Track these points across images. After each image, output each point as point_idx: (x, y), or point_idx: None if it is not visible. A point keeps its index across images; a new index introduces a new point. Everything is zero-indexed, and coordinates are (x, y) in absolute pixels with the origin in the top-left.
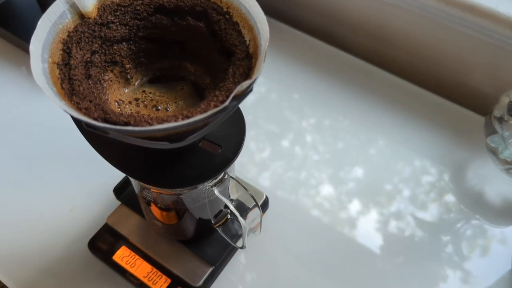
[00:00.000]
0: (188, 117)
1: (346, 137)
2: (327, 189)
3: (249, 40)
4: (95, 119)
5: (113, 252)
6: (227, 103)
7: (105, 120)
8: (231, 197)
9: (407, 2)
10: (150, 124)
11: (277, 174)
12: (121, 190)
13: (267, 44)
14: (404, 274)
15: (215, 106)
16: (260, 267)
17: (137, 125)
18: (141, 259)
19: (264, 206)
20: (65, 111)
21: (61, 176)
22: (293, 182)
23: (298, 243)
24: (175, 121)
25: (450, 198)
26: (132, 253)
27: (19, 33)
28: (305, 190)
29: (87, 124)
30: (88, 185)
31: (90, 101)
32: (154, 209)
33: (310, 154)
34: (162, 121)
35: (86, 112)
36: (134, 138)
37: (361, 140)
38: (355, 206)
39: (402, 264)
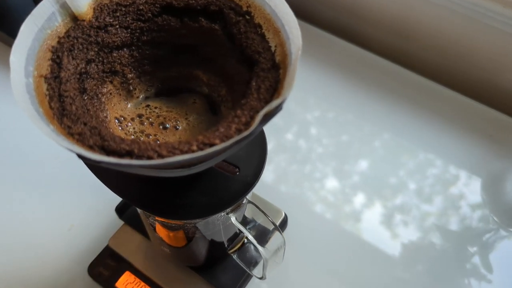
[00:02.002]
0: (204, 144)
1: (355, 132)
2: (331, 183)
3: (275, 46)
4: (90, 147)
5: (116, 278)
6: (253, 128)
7: (103, 148)
8: (247, 217)
9: None
10: (158, 154)
11: (281, 167)
12: (124, 209)
13: (299, 52)
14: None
15: (238, 130)
16: None
17: (142, 155)
18: (147, 286)
19: (283, 225)
20: (54, 140)
21: (58, 191)
22: (297, 175)
23: (319, 258)
24: (189, 149)
25: (481, 208)
26: (137, 280)
27: (13, 33)
28: (310, 183)
29: (80, 156)
30: (88, 201)
31: (85, 124)
32: (160, 234)
33: (315, 147)
34: (173, 149)
35: (80, 138)
36: (138, 169)
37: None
38: (368, 204)
39: (424, 273)
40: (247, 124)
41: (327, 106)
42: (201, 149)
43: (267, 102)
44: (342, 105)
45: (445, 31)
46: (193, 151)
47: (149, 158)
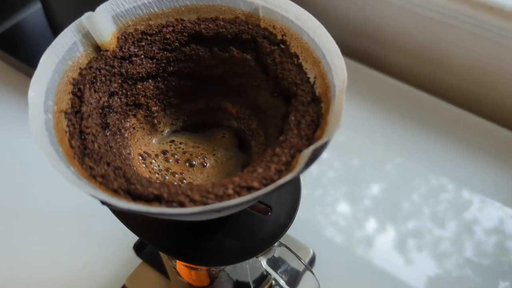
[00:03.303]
0: (241, 187)
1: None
2: (343, 207)
3: (314, 78)
4: (114, 191)
5: None
6: (298, 170)
7: (128, 192)
8: (277, 258)
9: (465, 21)
10: (190, 199)
11: None
12: (142, 246)
13: (345, 84)
14: None
15: (278, 171)
16: None
17: (172, 200)
18: None
19: (311, 263)
20: (75, 185)
21: (72, 226)
22: (308, 199)
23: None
24: (225, 193)
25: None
26: None
27: (29, 61)
28: (321, 207)
29: (103, 202)
30: (104, 237)
31: (108, 164)
32: (182, 274)
33: (326, 171)
34: (206, 193)
35: (103, 181)
36: (169, 216)
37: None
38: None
39: None
40: (288, 164)
41: (338, 130)
42: (238, 193)
43: (308, 139)
44: (353, 128)
45: (465, 54)
46: (229, 196)
47: (180, 203)
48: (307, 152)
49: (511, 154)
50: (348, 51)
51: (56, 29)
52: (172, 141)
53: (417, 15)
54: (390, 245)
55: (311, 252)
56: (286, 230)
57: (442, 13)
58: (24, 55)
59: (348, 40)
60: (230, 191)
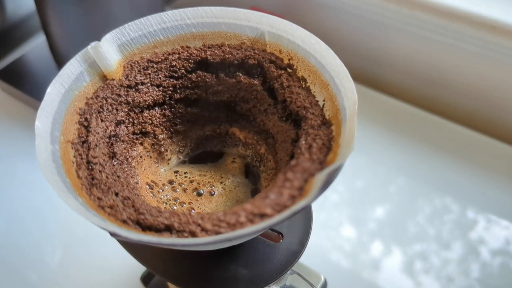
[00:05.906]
0: (254, 215)
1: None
2: (348, 230)
3: (323, 101)
4: (123, 221)
5: None
6: (313, 195)
7: (138, 223)
8: (286, 283)
9: (468, 42)
10: (202, 228)
11: None
12: (150, 277)
13: (356, 106)
14: None
15: (291, 196)
16: None
17: (183, 230)
18: None
19: None
20: (83, 216)
21: (76, 257)
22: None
23: None
24: (237, 221)
25: None
26: None
27: (34, 93)
28: (325, 232)
29: (113, 234)
30: (110, 268)
31: (116, 194)
32: None
33: (329, 194)
34: (218, 222)
35: (112, 212)
36: (181, 247)
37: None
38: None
39: None
40: (301, 189)
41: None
42: (251, 221)
43: (321, 162)
44: (355, 150)
45: (469, 74)
46: (241, 224)
47: (191, 233)
48: (321, 176)
49: None
50: (350, 73)
51: (60, 61)
52: (177, 172)
53: (419, 37)
54: (397, 268)
55: (323, 279)
56: (299, 258)
57: (444, 34)
58: (29, 87)
59: (350, 62)
60: (243, 219)
